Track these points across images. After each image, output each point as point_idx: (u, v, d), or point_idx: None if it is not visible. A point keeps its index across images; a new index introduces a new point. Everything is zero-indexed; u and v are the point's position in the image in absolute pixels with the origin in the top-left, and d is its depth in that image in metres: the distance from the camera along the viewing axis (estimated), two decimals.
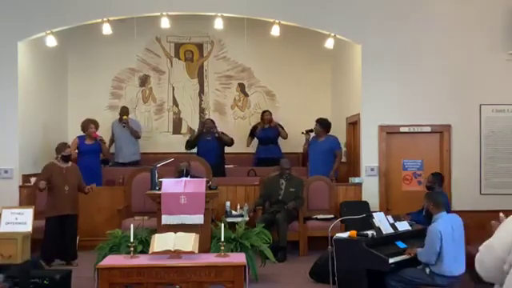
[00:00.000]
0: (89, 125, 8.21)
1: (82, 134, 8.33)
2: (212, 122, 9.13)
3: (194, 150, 9.19)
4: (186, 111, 10.29)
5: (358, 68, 8.07)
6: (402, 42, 7.94)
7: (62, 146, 6.98)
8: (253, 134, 9.66)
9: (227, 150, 9.17)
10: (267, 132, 9.44)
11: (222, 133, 9.03)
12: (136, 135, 9.30)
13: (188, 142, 9.24)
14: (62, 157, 6.87)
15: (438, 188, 6.51)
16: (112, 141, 9.39)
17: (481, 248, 2.47)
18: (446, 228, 4.72)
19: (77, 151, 8.07)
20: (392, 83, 7.90)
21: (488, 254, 2.40)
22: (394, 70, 7.91)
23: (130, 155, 9.22)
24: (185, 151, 9.40)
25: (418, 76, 7.91)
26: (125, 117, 9.20)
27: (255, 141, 9.66)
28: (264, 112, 9.65)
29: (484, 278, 2.44)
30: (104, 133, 8.88)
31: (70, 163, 6.97)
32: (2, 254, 4.45)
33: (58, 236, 6.70)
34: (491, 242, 2.42)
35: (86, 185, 6.99)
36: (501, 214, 3.42)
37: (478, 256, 2.46)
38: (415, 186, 7.76)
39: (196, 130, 9.69)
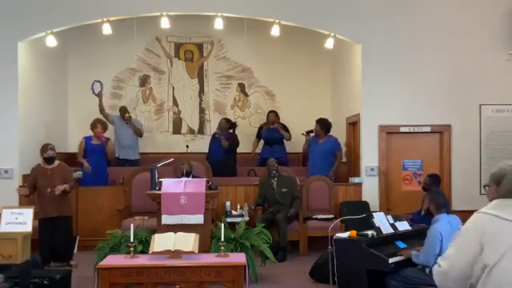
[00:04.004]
0: (96, 124, 8.21)
1: (85, 133, 8.34)
2: (226, 122, 9.04)
3: (194, 150, 9.20)
4: (186, 111, 10.29)
5: (358, 68, 8.08)
6: (402, 41, 7.94)
7: (44, 148, 6.82)
8: (259, 135, 9.66)
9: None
10: (272, 132, 9.42)
11: (230, 134, 8.95)
12: (139, 133, 9.30)
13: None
14: (44, 159, 6.76)
15: (434, 189, 6.51)
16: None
17: (440, 263, 2.43)
18: (446, 229, 4.72)
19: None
20: (392, 83, 7.90)
21: (451, 271, 2.37)
22: (393, 70, 7.91)
23: (129, 152, 9.19)
24: (185, 151, 9.42)
25: (418, 76, 7.92)
26: (127, 115, 9.19)
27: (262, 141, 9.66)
28: (269, 112, 9.64)
29: None
30: (108, 133, 8.85)
31: (56, 163, 6.78)
32: (1, 254, 4.45)
33: (49, 238, 6.57)
34: (452, 258, 2.39)
35: (67, 185, 6.68)
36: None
37: (436, 270, 2.43)
38: (415, 186, 7.76)
39: (196, 130, 9.86)
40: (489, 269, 2.26)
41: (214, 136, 9.09)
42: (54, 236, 6.64)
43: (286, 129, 9.44)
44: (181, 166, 7.51)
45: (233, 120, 9.73)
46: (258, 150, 9.68)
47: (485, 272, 2.27)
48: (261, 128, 9.68)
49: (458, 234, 2.45)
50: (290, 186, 7.60)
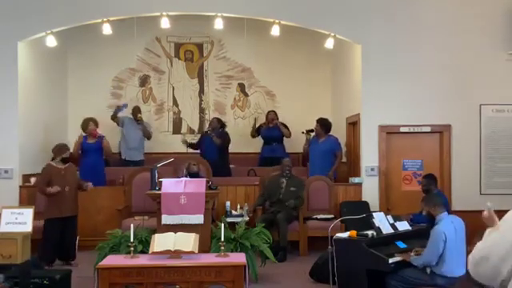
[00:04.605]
0: (88, 123, 8.21)
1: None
2: (217, 121, 9.11)
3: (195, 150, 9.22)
4: (186, 111, 10.29)
5: (358, 68, 8.08)
6: (402, 41, 7.94)
7: (63, 148, 6.94)
8: (258, 130, 9.67)
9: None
10: (271, 131, 9.44)
11: (222, 133, 9.00)
12: (148, 135, 9.35)
13: (191, 147, 9.24)
14: (63, 159, 6.85)
15: (434, 189, 6.52)
16: (120, 124, 9.32)
17: (475, 254, 2.37)
18: (450, 229, 4.72)
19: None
20: (392, 83, 7.90)
21: (483, 263, 2.31)
22: (393, 70, 7.91)
23: (135, 154, 9.23)
24: (185, 151, 9.41)
25: (418, 76, 7.92)
26: (139, 115, 9.21)
27: (260, 141, 9.64)
28: (268, 112, 9.66)
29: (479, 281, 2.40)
30: (105, 132, 8.85)
31: (67, 163, 6.94)
32: (1, 254, 4.45)
33: (57, 237, 6.65)
34: (486, 250, 2.32)
35: (84, 182, 6.97)
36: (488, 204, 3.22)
37: (471, 261, 2.37)
38: (415, 186, 7.75)
39: (196, 130, 9.95)
40: None
41: (204, 135, 9.12)
42: (65, 235, 6.72)
43: (284, 126, 9.47)
44: (192, 166, 7.53)
45: (233, 120, 9.78)
46: (257, 150, 9.67)
47: None
48: (260, 127, 9.68)
49: (496, 228, 2.39)
50: (297, 187, 7.60)
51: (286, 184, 7.62)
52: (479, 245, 2.42)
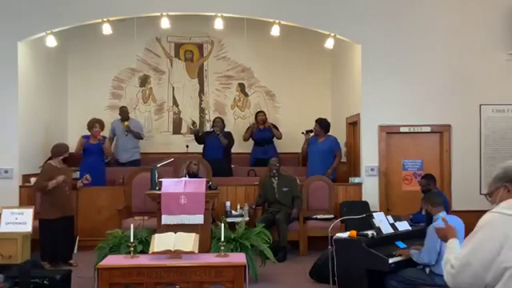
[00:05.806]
0: (94, 124, 8.22)
1: (85, 133, 8.33)
2: (221, 121, 9.11)
3: (194, 150, 9.21)
4: (186, 111, 10.30)
5: (358, 68, 8.08)
6: (401, 42, 7.94)
7: (64, 148, 6.95)
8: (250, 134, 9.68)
9: None
10: (263, 133, 9.46)
11: (227, 133, 9.00)
12: (139, 137, 9.39)
13: (196, 136, 9.27)
14: (64, 159, 6.87)
15: (433, 189, 6.52)
16: (112, 139, 9.35)
17: (453, 263, 2.33)
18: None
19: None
20: (392, 83, 7.90)
21: (464, 271, 2.28)
22: (393, 70, 7.91)
23: (131, 155, 9.26)
24: (185, 151, 9.41)
25: (418, 76, 7.92)
26: (125, 123, 9.23)
27: (250, 141, 9.66)
28: (258, 113, 9.66)
29: None
30: (105, 133, 8.87)
31: (64, 164, 6.94)
32: (1, 254, 4.45)
33: (59, 238, 6.63)
34: (466, 258, 2.28)
35: (76, 181, 6.97)
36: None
37: (449, 271, 2.33)
38: (415, 186, 7.74)
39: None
40: (511, 271, 2.17)
41: (209, 133, 9.10)
42: (64, 235, 6.71)
43: (276, 128, 9.50)
44: (192, 165, 7.54)
45: (232, 120, 9.81)
46: (249, 150, 9.68)
47: (506, 275, 2.19)
48: (250, 128, 9.66)
49: (473, 235, 2.34)
50: (290, 186, 7.60)
51: (278, 184, 7.61)
52: (455, 255, 2.39)
